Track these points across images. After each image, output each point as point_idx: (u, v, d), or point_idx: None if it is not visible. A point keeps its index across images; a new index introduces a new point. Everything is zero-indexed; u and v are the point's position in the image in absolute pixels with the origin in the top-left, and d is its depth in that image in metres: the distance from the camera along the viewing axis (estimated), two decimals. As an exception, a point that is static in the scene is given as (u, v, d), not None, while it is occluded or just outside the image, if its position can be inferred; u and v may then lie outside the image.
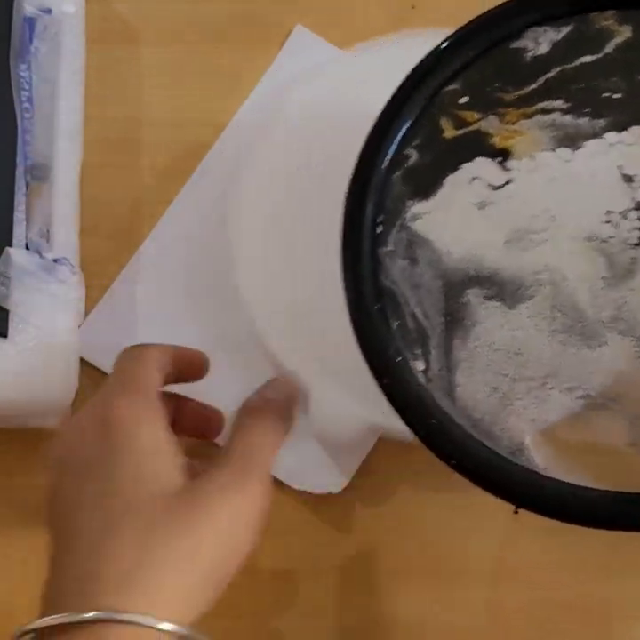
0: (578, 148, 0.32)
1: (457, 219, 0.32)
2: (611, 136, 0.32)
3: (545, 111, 0.32)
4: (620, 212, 0.32)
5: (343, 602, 0.39)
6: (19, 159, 0.38)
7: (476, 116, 0.32)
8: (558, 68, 0.32)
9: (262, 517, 0.31)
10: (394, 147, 0.31)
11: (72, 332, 0.37)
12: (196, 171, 0.41)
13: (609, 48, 0.32)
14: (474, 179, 0.32)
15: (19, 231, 0.37)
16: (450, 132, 0.32)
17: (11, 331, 0.36)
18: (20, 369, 0.36)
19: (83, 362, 0.38)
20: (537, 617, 0.39)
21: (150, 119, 0.42)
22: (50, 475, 0.32)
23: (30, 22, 0.39)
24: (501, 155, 0.32)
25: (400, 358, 0.30)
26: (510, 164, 0.32)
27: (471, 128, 0.32)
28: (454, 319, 0.31)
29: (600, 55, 0.32)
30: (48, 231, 0.38)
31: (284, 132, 0.39)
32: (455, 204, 0.32)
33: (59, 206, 0.38)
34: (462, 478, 0.32)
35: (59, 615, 0.30)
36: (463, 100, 0.32)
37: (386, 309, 0.30)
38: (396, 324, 0.31)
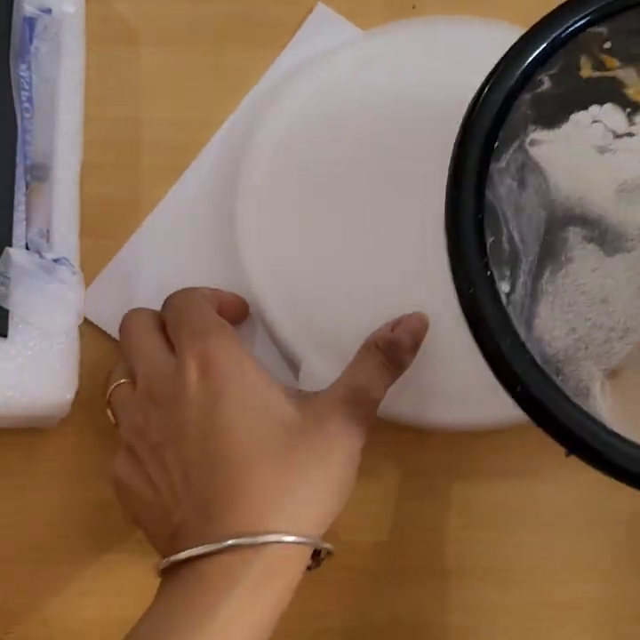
0: None
1: (574, 156, 0.32)
2: None
3: (684, 77, 0.32)
4: None
5: (343, 602, 0.39)
6: (19, 159, 0.38)
7: (617, 63, 0.32)
8: None
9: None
10: (529, 66, 0.31)
11: (72, 331, 0.37)
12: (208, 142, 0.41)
13: None
14: (600, 122, 0.32)
15: (19, 231, 0.37)
16: (587, 71, 0.32)
17: (11, 331, 0.36)
18: (19, 369, 0.36)
19: (82, 362, 0.38)
20: (537, 617, 0.38)
21: (150, 119, 0.42)
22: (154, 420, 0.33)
23: (30, 22, 0.39)
24: (632, 107, 0.32)
25: (489, 273, 0.30)
26: (638, 118, 0.32)
27: (609, 73, 0.32)
28: (550, 251, 0.31)
29: None
30: (48, 231, 0.38)
31: (297, 105, 0.40)
32: (576, 142, 0.32)
33: (59, 206, 0.38)
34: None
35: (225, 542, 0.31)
36: (607, 45, 0.32)
37: (485, 222, 0.31)
38: (492, 239, 0.31)
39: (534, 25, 0.31)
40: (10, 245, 0.37)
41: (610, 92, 0.32)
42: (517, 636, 0.39)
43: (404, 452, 0.38)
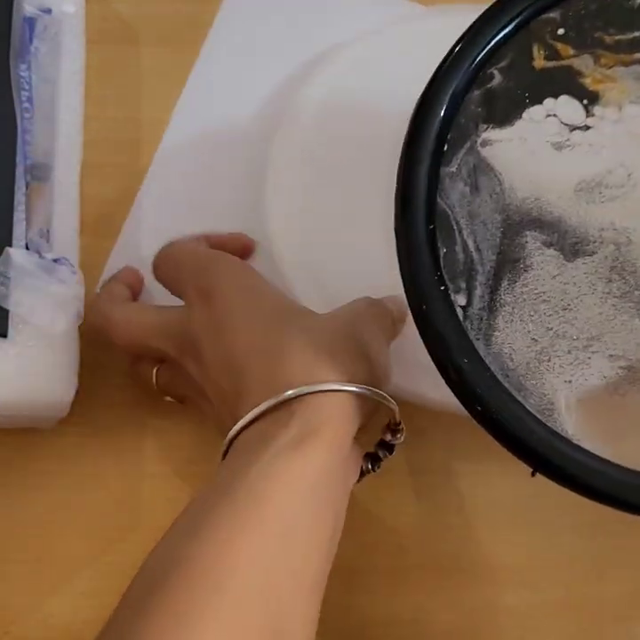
0: None
1: (529, 154, 0.30)
2: None
3: (644, 62, 0.31)
4: None
5: (343, 602, 0.39)
6: (19, 159, 0.38)
7: (572, 51, 0.31)
8: None
9: None
10: (478, 60, 0.30)
11: (71, 331, 0.37)
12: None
13: None
14: (555, 116, 0.31)
15: (19, 231, 0.37)
16: (540, 61, 0.31)
17: (10, 331, 0.36)
18: (19, 369, 0.36)
19: (83, 361, 0.38)
20: (535, 617, 0.38)
21: (150, 119, 0.42)
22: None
23: (30, 22, 0.39)
24: (589, 98, 0.31)
25: (443, 287, 0.29)
26: (596, 109, 0.31)
27: (563, 62, 0.31)
28: (507, 259, 0.30)
29: None
30: (48, 231, 0.38)
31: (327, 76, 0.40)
32: (530, 139, 0.30)
33: (59, 206, 0.39)
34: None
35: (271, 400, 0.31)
36: (561, 31, 0.31)
37: (436, 233, 0.29)
38: (445, 251, 0.30)
39: (481, 15, 0.30)
40: (10, 245, 0.37)
41: (565, 82, 0.31)
42: (516, 636, 0.39)
43: (401, 452, 0.37)
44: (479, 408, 0.28)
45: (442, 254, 0.29)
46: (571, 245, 0.30)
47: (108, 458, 0.39)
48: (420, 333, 0.29)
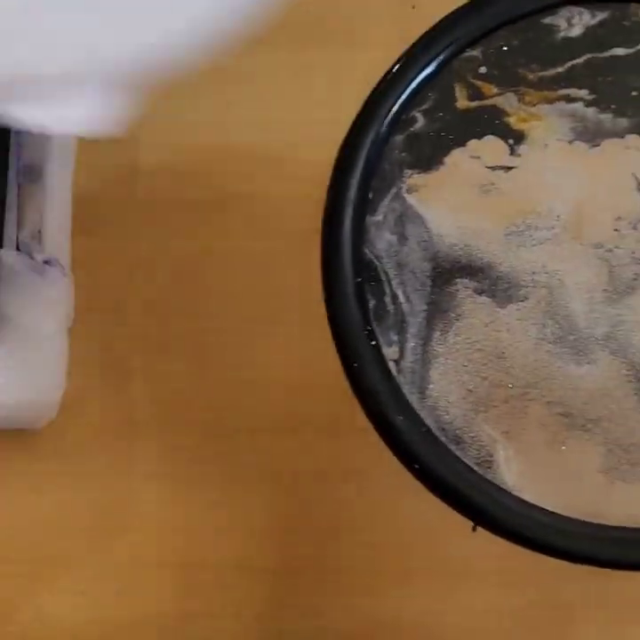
0: (595, 145, 0.31)
1: (456, 199, 0.30)
2: (632, 138, 0.31)
3: (568, 99, 0.31)
4: (630, 222, 0.30)
5: (343, 602, 0.39)
6: (11, 160, 0.38)
7: (495, 89, 0.31)
8: (588, 56, 0.31)
9: None
10: (400, 105, 0.30)
11: (60, 333, 0.38)
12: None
13: None
14: (481, 158, 0.30)
15: (10, 232, 0.38)
16: (463, 102, 0.31)
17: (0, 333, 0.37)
18: (7, 369, 0.37)
19: (80, 361, 0.39)
20: (538, 617, 0.39)
21: (149, 119, 0.42)
22: None
23: None
24: (514, 137, 0.30)
25: (373, 343, 0.29)
26: (522, 149, 0.30)
27: (487, 102, 0.31)
28: (438, 308, 0.29)
29: (633, 50, 0.31)
30: (39, 232, 0.38)
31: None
32: (456, 183, 0.30)
33: (51, 208, 0.39)
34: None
35: None
36: (482, 69, 0.31)
37: (364, 286, 0.29)
38: (374, 303, 0.29)
39: (400, 56, 0.30)
40: (0, 246, 0.37)
41: (489, 122, 0.30)
42: (522, 637, 0.39)
43: None
44: (416, 466, 0.28)
45: (371, 307, 0.29)
46: (502, 291, 0.30)
47: (108, 458, 0.40)
48: (352, 390, 0.29)
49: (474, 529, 0.29)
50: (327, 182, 0.32)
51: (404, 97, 0.30)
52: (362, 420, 0.39)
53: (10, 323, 0.37)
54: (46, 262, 0.38)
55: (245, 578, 0.40)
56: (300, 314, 0.40)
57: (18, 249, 0.38)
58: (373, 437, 0.39)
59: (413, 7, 0.44)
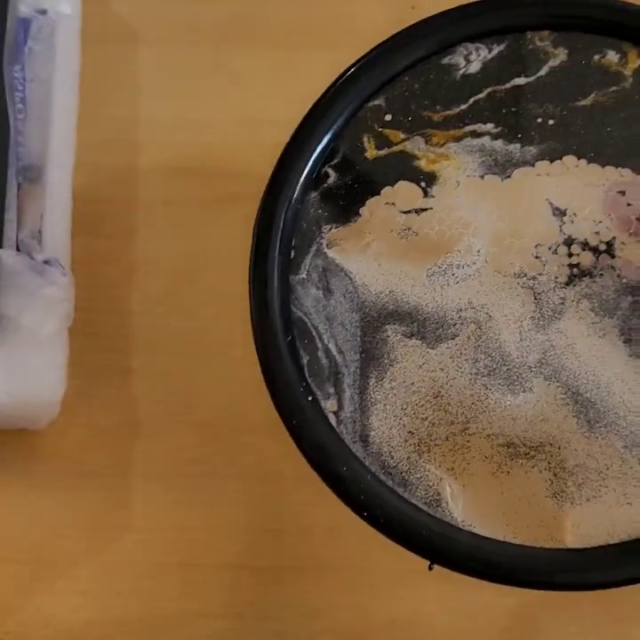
0: (507, 176, 0.32)
1: (375, 247, 0.31)
2: (542, 165, 0.32)
3: (474, 134, 0.32)
4: (550, 248, 0.31)
5: (343, 602, 0.39)
6: (11, 160, 0.39)
7: (402, 135, 0.32)
8: (489, 89, 0.32)
9: None
10: (311, 164, 0.31)
11: (60, 333, 0.39)
12: None
13: (543, 71, 0.32)
14: (395, 204, 0.31)
15: (9, 232, 0.39)
16: (372, 151, 0.32)
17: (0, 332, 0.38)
18: (7, 370, 0.37)
19: (81, 362, 0.39)
20: (538, 618, 0.39)
21: (149, 119, 0.43)
22: None
23: (25, 23, 0.40)
24: (426, 179, 0.31)
25: (311, 398, 0.30)
26: (435, 189, 0.31)
27: (395, 148, 0.32)
28: (371, 356, 0.30)
29: (533, 78, 0.33)
30: (40, 232, 0.39)
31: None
32: (375, 232, 0.31)
33: (51, 207, 0.40)
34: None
35: None
36: (388, 117, 0.32)
37: (297, 342, 0.30)
38: (307, 359, 0.30)
39: (306, 114, 0.31)
40: (0, 247, 0.38)
41: (400, 168, 0.31)
42: (517, 638, 0.39)
43: None
44: (365, 513, 0.29)
45: (305, 363, 0.30)
46: (432, 332, 0.31)
47: (108, 458, 0.40)
48: (296, 445, 0.30)
49: (430, 568, 0.30)
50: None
51: (314, 155, 0.31)
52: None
53: (10, 323, 0.38)
54: (46, 262, 0.39)
55: (245, 578, 0.40)
56: None
57: (18, 249, 0.38)
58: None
59: (413, 8, 0.44)
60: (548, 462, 0.30)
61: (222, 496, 0.40)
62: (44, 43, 0.41)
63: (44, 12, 0.41)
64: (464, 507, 0.30)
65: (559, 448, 0.30)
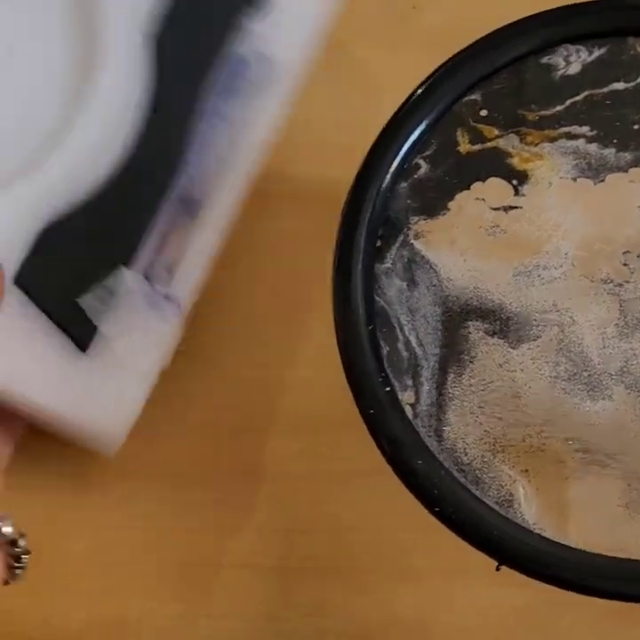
0: (600, 180, 0.32)
1: (462, 242, 0.31)
2: (636, 172, 0.32)
3: (569, 136, 0.32)
4: (638, 255, 0.31)
5: (346, 601, 0.39)
6: (173, 188, 0.37)
7: (496, 131, 0.32)
8: (587, 92, 0.32)
9: None
10: (404, 153, 0.31)
11: (151, 372, 0.37)
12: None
13: None
14: (485, 200, 0.31)
15: (144, 257, 0.37)
16: (465, 146, 0.32)
17: (91, 348, 0.36)
18: (86, 388, 0.36)
19: None
20: (535, 616, 0.39)
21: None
22: None
23: (242, 62, 0.39)
24: (518, 178, 0.31)
25: (389, 388, 0.30)
26: (526, 188, 0.31)
27: (489, 144, 0.32)
28: (451, 351, 0.30)
29: (632, 84, 0.32)
30: (174, 266, 0.38)
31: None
32: (462, 226, 0.31)
33: (196, 247, 0.38)
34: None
35: None
36: (483, 112, 0.32)
37: (377, 332, 0.30)
38: (387, 349, 0.30)
39: (402, 105, 0.31)
40: (127, 266, 0.36)
41: (493, 164, 0.31)
42: (520, 636, 0.39)
43: None
44: (437, 509, 0.29)
45: (385, 354, 0.30)
46: (514, 332, 0.31)
47: (109, 459, 0.40)
48: (371, 435, 0.30)
49: (498, 568, 0.30)
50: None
51: (406, 145, 0.31)
52: (361, 421, 0.40)
53: (103, 343, 0.37)
54: (167, 297, 0.38)
55: (246, 578, 0.40)
56: (304, 314, 0.42)
57: (146, 276, 0.37)
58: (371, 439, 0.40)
59: (414, 7, 0.45)
60: (623, 471, 0.30)
61: (222, 496, 0.41)
62: (257, 87, 0.39)
63: (264, 57, 0.39)
64: (536, 509, 0.30)
65: (635, 457, 0.30)
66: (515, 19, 0.41)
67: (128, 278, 0.37)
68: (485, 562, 0.38)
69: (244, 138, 0.39)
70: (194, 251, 0.38)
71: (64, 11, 0.38)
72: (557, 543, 0.29)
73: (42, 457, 0.41)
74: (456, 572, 0.40)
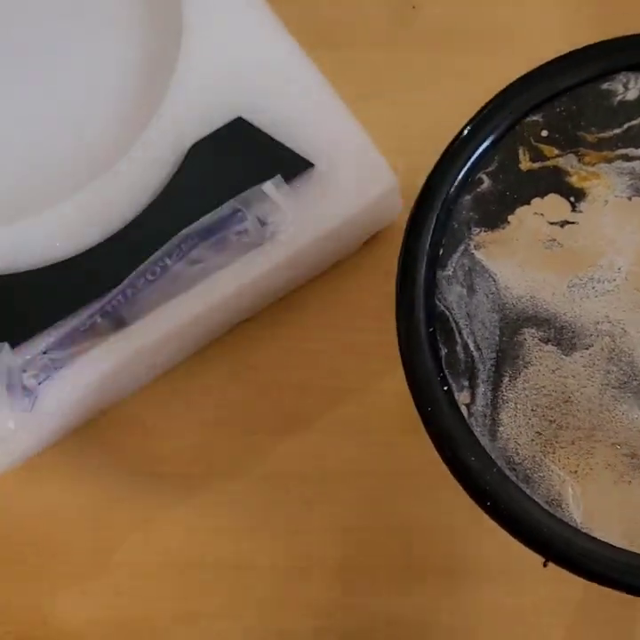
0: None
1: (521, 254, 0.32)
2: None
3: (626, 158, 0.33)
4: None
5: (343, 602, 0.40)
6: (98, 300, 0.38)
7: (556, 151, 0.33)
8: None
9: None
10: (468, 168, 0.32)
11: None
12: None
13: None
14: (544, 215, 0.33)
15: (40, 342, 0.38)
16: (526, 163, 0.33)
17: None
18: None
19: None
20: (542, 617, 0.39)
21: None
22: None
23: (234, 218, 0.39)
24: (575, 195, 0.33)
25: (446, 388, 0.31)
26: (583, 205, 0.33)
27: (549, 163, 0.33)
28: (506, 356, 0.32)
29: None
30: (59, 365, 0.38)
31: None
32: (521, 239, 0.33)
33: (97, 357, 0.38)
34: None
35: None
36: (544, 133, 0.33)
37: (437, 334, 0.32)
38: (445, 351, 0.32)
39: (468, 122, 0.33)
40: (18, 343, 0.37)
41: (552, 181, 0.33)
42: (521, 636, 0.40)
43: (408, 450, 0.39)
44: (488, 503, 0.31)
45: (443, 355, 0.32)
46: (567, 340, 0.32)
47: (109, 458, 0.41)
48: (427, 433, 0.31)
49: (545, 565, 0.31)
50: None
51: (471, 161, 0.33)
52: (362, 421, 0.41)
53: None
54: (26, 389, 0.37)
55: (245, 578, 0.40)
56: (300, 314, 0.42)
57: (30, 359, 0.37)
58: (371, 438, 0.40)
59: (414, 7, 0.46)
60: None
61: (223, 496, 0.41)
62: (238, 249, 0.39)
63: (262, 223, 0.39)
64: (584, 510, 0.31)
65: None
66: (518, 18, 0.44)
67: (5, 354, 0.38)
68: (485, 563, 0.40)
69: (199, 290, 0.39)
70: (92, 362, 0.38)
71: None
72: (604, 543, 0.31)
73: (44, 452, 0.40)
74: (458, 574, 0.40)
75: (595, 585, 0.36)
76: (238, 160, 0.40)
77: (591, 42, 0.35)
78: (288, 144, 0.40)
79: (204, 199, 0.39)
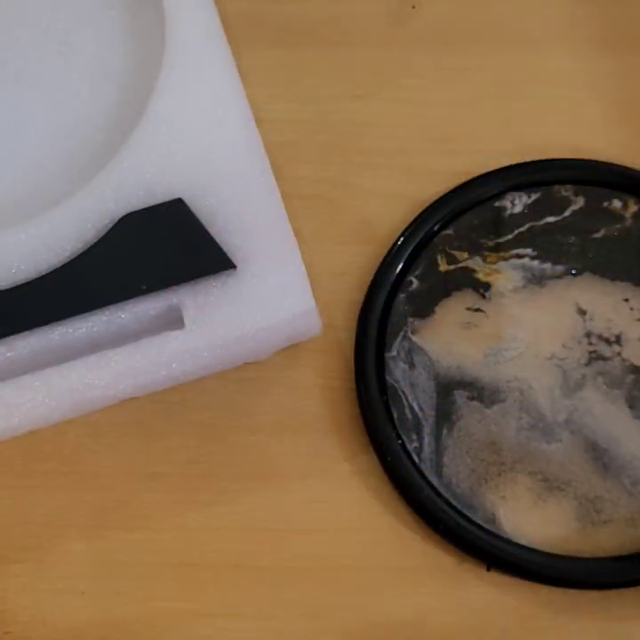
0: (543, 285, 0.41)
1: (446, 335, 0.41)
2: (568, 278, 0.42)
3: (518, 256, 0.42)
4: (574, 338, 0.42)
5: (343, 601, 0.40)
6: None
7: (465, 255, 0.42)
8: (529, 224, 0.42)
9: None
10: (399, 272, 0.42)
11: None
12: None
13: (567, 212, 0.43)
14: (460, 304, 0.42)
15: None
16: (444, 266, 0.42)
17: None
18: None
19: None
20: (540, 617, 0.40)
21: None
22: None
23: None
24: (483, 287, 0.42)
25: (400, 441, 0.40)
26: (489, 294, 0.41)
27: (461, 264, 0.42)
28: (443, 413, 0.40)
29: (560, 217, 0.43)
30: None
31: None
32: (445, 323, 0.41)
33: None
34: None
35: None
36: (456, 242, 0.42)
37: (389, 402, 0.41)
38: (397, 413, 0.41)
39: (398, 238, 0.42)
40: None
41: (465, 278, 0.42)
42: (518, 636, 0.40)
43: None
44: (441, 527, 0.39)
45: (396, 416, 0.41)
46: (488, 396, 0.40)
47: (109, 458, 0.41)
48: (389, 478, 0.40)
49: (488, 569, 0.40)
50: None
51: (401, 266, 0.41)
52: (360, 423, 0.41)
53: None
54: None
55: (245, 578, 0.40)
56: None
57: None
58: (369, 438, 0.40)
59: (413, 7, 0.47)
60: (575, 494, 0.39)
61: (222, 496, 0.41)
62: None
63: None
64: (513, 525, 0.39)
65: (582, 484, 0.39)
66: (517, 18, 0.45)
67: None
68: (480, 566, 0.40)
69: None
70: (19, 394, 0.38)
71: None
72: (531, 549, 0.38)
73: (40, 453, 0.41)
74: (456, 573, 0.40)
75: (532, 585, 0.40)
76: (165, 242, 0.39)
77: (591, 41, 0.44)
78: (221, 236, 0.39)
79: (119, 273, 0.38)
